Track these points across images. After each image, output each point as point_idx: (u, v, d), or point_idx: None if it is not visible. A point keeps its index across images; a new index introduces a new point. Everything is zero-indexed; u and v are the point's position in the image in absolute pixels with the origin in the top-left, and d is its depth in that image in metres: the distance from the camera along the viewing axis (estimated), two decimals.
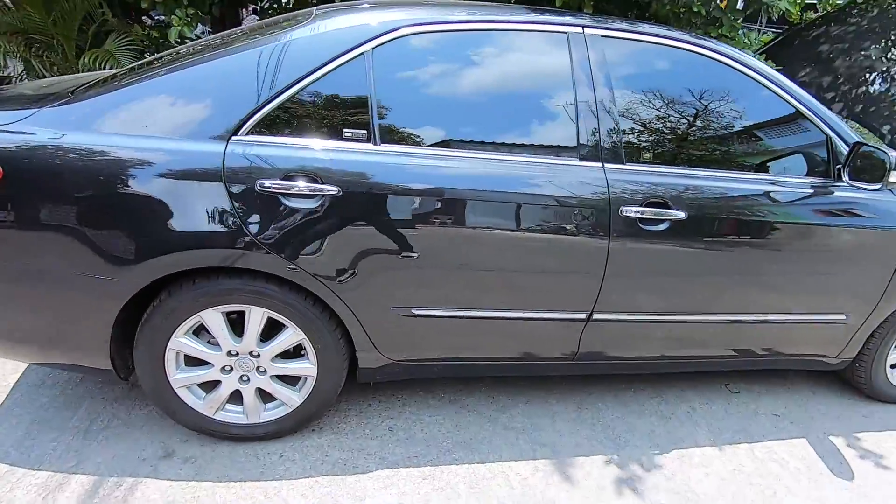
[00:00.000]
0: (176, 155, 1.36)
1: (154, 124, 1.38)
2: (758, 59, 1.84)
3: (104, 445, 1.68)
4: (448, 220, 1.49)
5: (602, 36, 1.57)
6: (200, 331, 1.58)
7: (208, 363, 1.61)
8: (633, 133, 1.61)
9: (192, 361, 1.61)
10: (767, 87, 1.67)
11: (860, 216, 1.73)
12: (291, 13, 1.77)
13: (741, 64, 1.65)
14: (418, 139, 1.50)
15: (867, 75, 2.38)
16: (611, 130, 1.56)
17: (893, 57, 2.33)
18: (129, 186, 1.35)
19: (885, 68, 2.32)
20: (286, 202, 1.40)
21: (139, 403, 1.86)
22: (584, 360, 1.81)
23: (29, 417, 1.77)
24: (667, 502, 1.64)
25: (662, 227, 1.59)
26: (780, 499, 1.69)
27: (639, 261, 1.62)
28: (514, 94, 1.55)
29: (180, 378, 1.60)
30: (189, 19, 3.26)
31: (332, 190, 1.40)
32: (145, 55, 3.61)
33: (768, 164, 1.76)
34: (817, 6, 3.33)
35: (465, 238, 1.52)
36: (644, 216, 1.56)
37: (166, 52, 1.87)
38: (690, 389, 2.15)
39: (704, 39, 1.68)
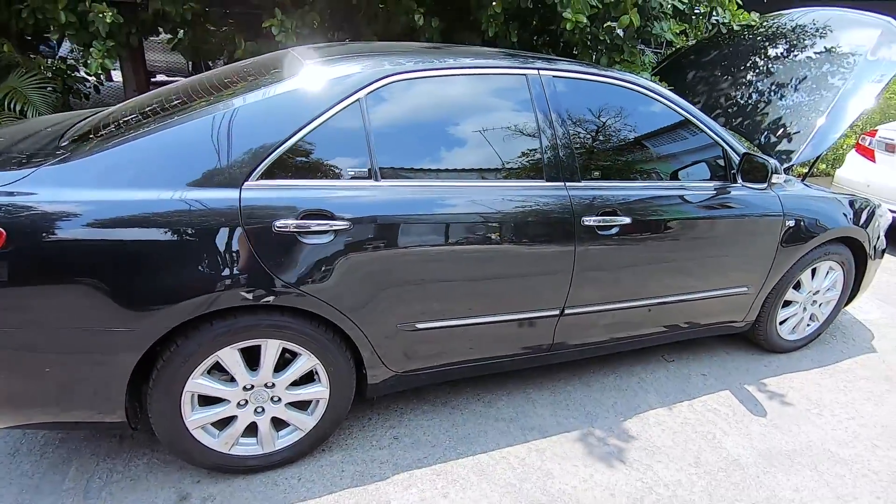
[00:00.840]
0: (193, 204, 1.42)
1: (164, 176, 1.43)
2: (669, 89, 2.26)
3: (111, 502, 1.65)
4: (443, 240, 1.70)
5: (553, 76, 1.87)
6: (212, 369, 1.62)
7: (224, 400, 1.66)
8: (583, 155, 1.92)
9: (206, 401, 1.65)
10: (679, 113, 2.09)
11: (751, 209, 2.22)
12: (271, 59, 1.86)
13: (659, 95, 2.06)
14: (412, 172, 1.69)
15: (737, 91, 2.96)
16: (567, 154, 1.87)
17: (757, 76, 2.93)
18: (145, 238, 1.39)
19: (751, 85, 2.92)
20: (302, 239, 1.52)
21: (134, 454, 1.83)
22: (557, 349, 2.11)
23: (15, 489, 1.68)
24: (639, 458, 1.97)
25: (613, 230, 1.93)
26: (720, 439, 2.10)
27: (597, 260, 1.94)
28: (487, 129, 1.79)
29: (196, 419, 1.63)
30: (108, 52, 3.12)
31: (342, 225, 1.55)
32: (53, 90, 3.39)
33: (681, 172, 2.17)
34: (688, 32, 4.00)
35: (459, 255, 1.73)
36: (600, 224, 1.89)
37: (150, 97, 1.87)
38: (637, 364, 2.54)
39: (630, 75, 2.06)
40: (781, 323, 2.63)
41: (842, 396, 2.44)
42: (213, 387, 1.61)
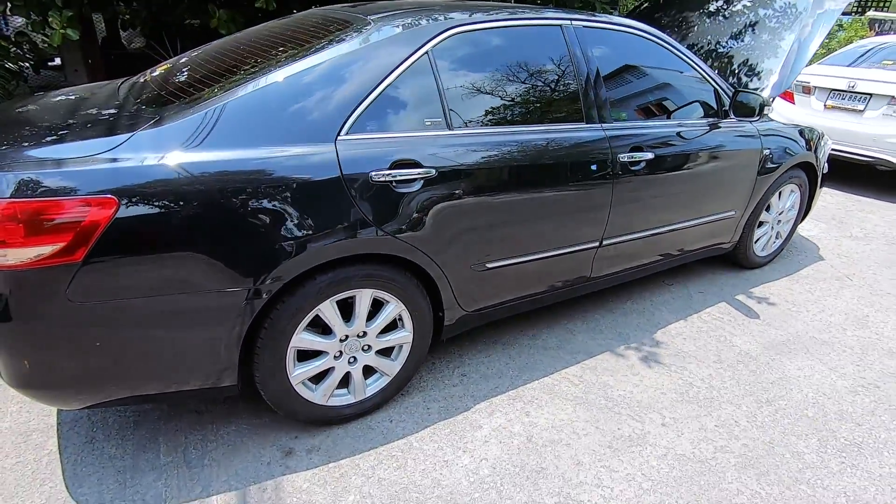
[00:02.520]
0: (294, 160, 1.45)
1: (262, 134, 1.44)
2: (672, 37, 2.50)
3: (217, 467, 1.68)
4: (508, 183, 1.83)
5: (583, 27, 2.03)
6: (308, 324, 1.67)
7: (321, 353, 1.72)
8: (611, 98, 2.12)
9: (302, 357, 1.70)
10: (679, 57, 2.34)
11: (740, 141, 2.54)
12: (322, 19, 1.85)
13: (663, 41, 2.29)
14: (478, 120, 1.79)
15: (700, 38, 3.29)
16: (600, 98, 2.05)
17: (714, 24, 3.26)
18: (252, 196, 1.40)
19: (711, 33, 3.25)
20: (396, 188, 1.60)
21: (219, 424, 1.84)
22: (593, 279, 2.34)
23: (111, 471, 1.65)
24: (673, 362, 2.28)
25: (641, 165, 2.16)
26: (730, 340, 2.46)
27: (628, 193, 2.17)
28: (535, 77, 1.93)
29: (299, 374, 1.69)
30: (68, 22, 2.86)
31: (428, 172, 1.64)
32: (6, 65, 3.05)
33: (685, 111, 2.44)
34: None
35: (521, 195, 1.87)
36: (632, 159, 2.11)
37: (203, 56, 1.80)
38: (645, 291, 2.86)
39: (641, 24, 2.26)
40: (756, 241, 3.05)
41: (810, 296, 2.90)
42: (313, 341, 1.67)
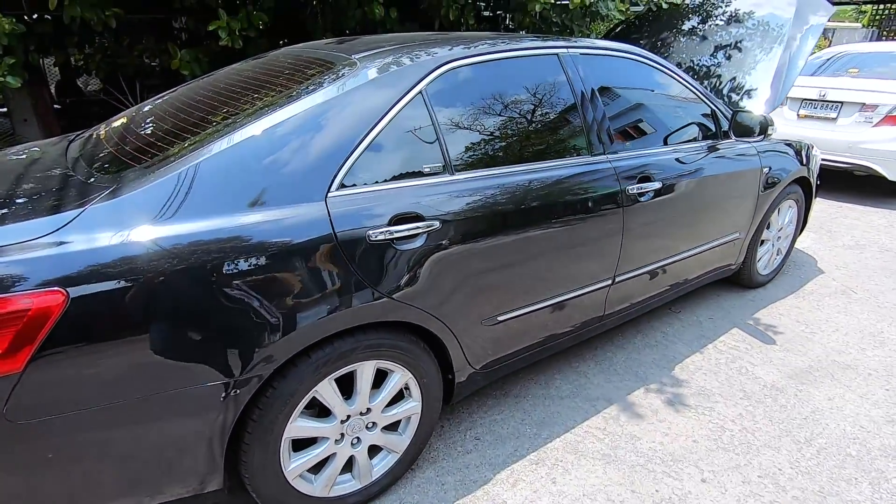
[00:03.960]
0: (281, 224, 1.25)
1: (239, 197, 1.23)
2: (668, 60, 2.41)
3: None
4: (517, 226, 1.66)
5: (581, 54, 1.91)
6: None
7: (320, 439, 1.49)
8: (615, 127, 1.99)
9: (297, 445, 1.47)
10: (677, 80, 2.25)
11: (742, 162, 2.45)
12: (311, 57, 1.66)
13: (660, 64, 2.19)
14: (479, 161, 1.62)
15: (687, 59, 3.24)
16: (604, 127, 1.92)
17: (698, 45, 3.23)
18: (232, 271, 1.19)
19: (696, 53, 3.21)
20: (397, 246, 1.41)
21: None
22: (606, 318, 2.18)
23: None
24: (698, 402, 2.11)
25: (649, 195, 2.02)
26: (752, 371, 2.32)
27: (638, 225, 2.03)
28: (535, 110, 1.78)
29: (296, 467, 1.45)
30: (10, 69, 2.61)
31: (433, 225, 1.45)
32: None
33: (685, 134, 2.33)
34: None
35: (531, 238, 1.71)
36: (640, 190, 1.97)
37: (159, 107, 1.58)
38: (653, 321, 2.71)
39: (634, 48, 2.15)
40: (759, 260, 2.96)
41: (820, 314, 2.81)
42: (311, 427, 1.44)
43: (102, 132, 1.65)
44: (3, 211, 1.19)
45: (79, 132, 1.85)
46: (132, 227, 1.12)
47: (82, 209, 1.12)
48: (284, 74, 1.57)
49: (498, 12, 3.65)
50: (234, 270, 1.18)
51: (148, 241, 1.12)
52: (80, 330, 1.06)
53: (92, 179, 1.25)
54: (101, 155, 1.43)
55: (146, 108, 1.80)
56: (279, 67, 1.66)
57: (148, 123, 1.57)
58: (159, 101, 1.82)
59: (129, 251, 1.10)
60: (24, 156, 1.60)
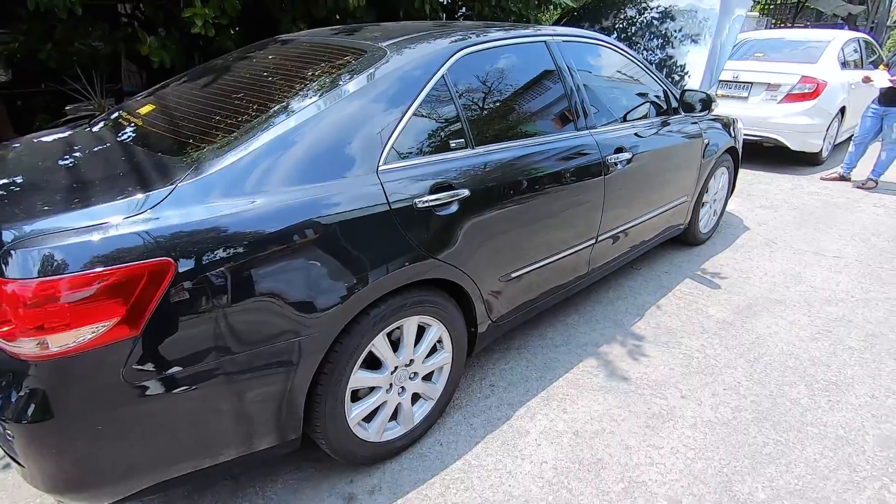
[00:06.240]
0: (346, 194, 1.40)
1: (308, 172, 1.37)
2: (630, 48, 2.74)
3: None
4: (525, 192, 1.90)
5: (563, 41, 2.17)
6: None
7: (376, 389, 1.67)
8: (593, 105, 2.28)
9: (353, 396, 1.64)
10: (637, 64, 2.58)
11: (690, 134, 2.85)
12: (344, 45, 1.78)
13: (624, 51, 2.51)
14: (493, 136, 1.84)
15: (630, 43, 3.62)
16: (586, 106, 2.20)
17: (636, 33, 3.61)
18: (312, 235, 1.33)
19: (635, 40, 3.60)
20: (437, 212, 1.60)
21: (261, 484, 1.71)
22: (589, 274, 2.49)
23: None
24: (668, 339, 2.49)
25: (622, 164, 2.34)
26: (706, 311, 2.75)
27: (615, 190, 2.34)
28: (533, 90, 2.02)
29: (355, 415, 1.62)
30: None
31: (464, 193, 1.66)
32: None
33: (643, 111, 2.68)
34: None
35: (536, 202, 1.96)
36: (616, 160, 2.28)
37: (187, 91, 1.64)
38: (620, 278, 3.09)
39: (604, 36, 2.45)
40: (700, 220, 3.42)
41: (751, 262, 3.32)
42: (369, 377, 1.62)
43: (136, 119, 1.69)
44: (85, 191, 1.25)
45: (98, 117, 1.85)
46: (217, 201, 1.24)
47: (173, 187, 1.22)
48: (320, 61, 1.69)
49: (457, 1, 3.85)
50: (310, 235, 1.33)
51: (233, 213, 1.24)
52: (187, 295, 1.17)
53: (167, 161, 1.34)
54: (155, 138, 1.50)
55: (176, 93, 1.84)
56: (311, 54, 1.77)
57: (196, 108, 1.64)
58: (183, 85, 1.87)
59: (219, 223, 1.22)
60: (48, 146, 1.61)
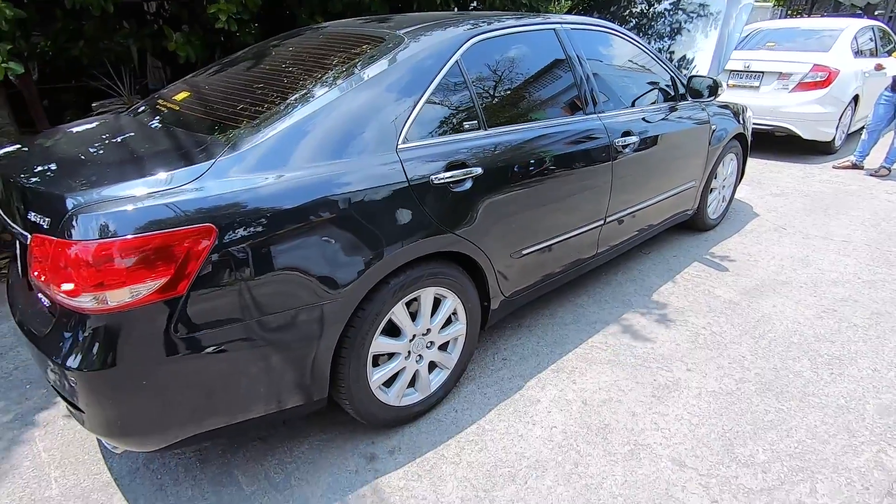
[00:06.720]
0: (368, 171, 1.52)
1: (334, 149, 1.49)
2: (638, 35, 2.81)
3: (307, 485, 1.69)
4: (535, 172, 2.00)
5: (572, 28, 2.26)
6: None
7: (395, 355, 1.78)
8: (601, 89, 2.36)
9: (375, 363, 1.76)
10: (644, 51, 2.65)
11: (698, 119, 2.92)
12: (363, 33, 1.90)
13: (632, 38, 2.59)
14: (504, 119, 1.94)
15: (641, 32, 3.68)
16: (595, 91, 2.29)
17: (650, 19, 3.68)
18: (339, 207, 1.45)
19: (642, 28, 3.67)
20: (452, 189, 1.71)
21: (289, 445, 1.84)
22: (598, 255, 2.58)
23: None
24: (676, 317, 2.57)
25: (630, 148, 2.43)
26: (713, 292, 2.82)
27: (622, 173, 2.43)
28: (543, 76, 2.12)
29: (376, 379, 1.74)
30: (9, 55, 2.63)
31: (477, 171, 1.77)
32: None
33: (652, 97, 2.76)
34: None
35: (546, 183, 2.05)
36: (624, 143, 2.37)
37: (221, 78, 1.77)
38: (629, 262, 3.17)
39: (612, 24, 2.53)
40: (709, 206, 3.48)
41: (760, 247, 3.37)
42: (389, 343, 1.73)
43: (173, 105, 1.83)
44: (135, 165, 1.38)
45: (138, 104, 1.99)
46: (253, 174, 1.36)
47: (213, 161, 1.34)
48: (343, 48, 1.80)
49: None
50: (337, 207, 1.45)
51: (267, 185, 1.36)
52: (227, 257, 1.29)
53: (206, 139, 1.46)
54: (194, 120, 1.62)
55: (209, 82, 1.98)
56: (334, 42, 1.89)
57: (230, 93, 1.76)
58: (216, 75, 2.00)
59: (256, 194, 1.34)
60: (105, 126, 1.76)
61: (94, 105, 4.77)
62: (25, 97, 3.41)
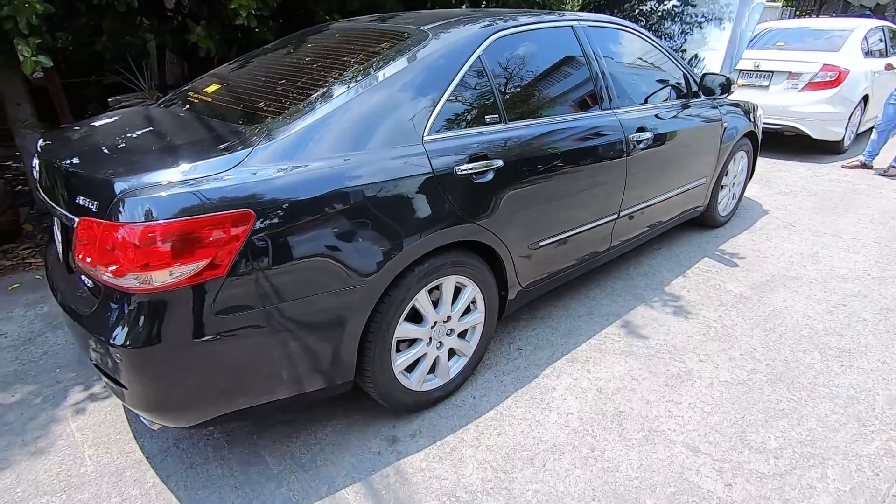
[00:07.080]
0: (397, 161, 1.57)
1: (364, 140, 1.55)
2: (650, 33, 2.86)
3: (332, 465, 1.74)
4: (552, 166, 2.05)
5: (589, 26, 2.31)
6: None
7: (417, 341, 1.84)
8: (616, 86, 2.41)
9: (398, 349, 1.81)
10: (658, 49, 2.70)
11: (709, 117, 2.96)
12: (388, 29, 1.96)
13: (646, 36, 2.63)
14: (523, 114, 1.99)
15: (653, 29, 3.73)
16: (610, 87, 2.34)
17: (661, 17, 3.72)
18: (369, 196, 1.50)
19: (657, 28, 3.70)
20: (475, 180, 1.76)
21: (314, 427, 1.90)
22: (611, 249, 2.63)
23: (227, 488, 1.66)
24: (688, 310, 2.62)
25: (644, 143, 2.47)
26: (724, 286, 2.86)
27: (636, 168, 2.48)
28: (560, 72, 2.17)
29: (400, 364, 1.80)
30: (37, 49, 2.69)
31: (498, 163, 1.82)
32: None
33: (665, 94, 2.80)
34: None
35: (562, 176, 2.10)
36: (639, 139, 2.41)
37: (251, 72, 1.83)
38: (640, 257, 3.21)
39: (627, 22, 2.58)
40: (719, 203, 3.52)
41: (769, 243, 3.41)
42: (413, 329, 1.79)
43: (205, 97, 1.89)
44: (176, 153, 1.44)
45: (168, 96, 2.06)
46: (288, 163, 1.42)
47: (251, 149, 1.40)
48: (369, 44, 1.86)
49: None
50: (367, 196, 1.50)
51: (301, 173, 1.42)
52: (264, 241, 1.35)
53: (243, 129, 1.52)
54: (236, 112, 1.68)
55: (238, 74, 2.04)
56: (360, 38, 1.95)
57: (261, 85, 1.82)
58: (243, 68, 2.06)
59: (291, 181, 1.40)
60: (140, 117, 1.82)
61: (110, 100, 4.85)
62: (50, 90, 3.48)
